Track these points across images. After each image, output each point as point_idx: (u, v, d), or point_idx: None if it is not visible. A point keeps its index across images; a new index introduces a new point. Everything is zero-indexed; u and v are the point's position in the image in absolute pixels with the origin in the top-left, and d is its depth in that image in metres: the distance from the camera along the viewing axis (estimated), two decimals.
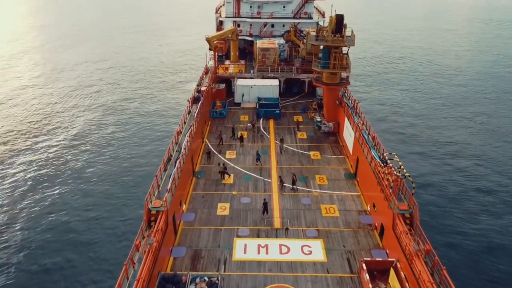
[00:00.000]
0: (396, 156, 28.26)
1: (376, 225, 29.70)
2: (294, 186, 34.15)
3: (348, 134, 40.17)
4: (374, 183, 30.63)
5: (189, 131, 36.87)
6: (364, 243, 28.40)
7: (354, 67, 62.91)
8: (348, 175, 36.98)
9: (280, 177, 35.20)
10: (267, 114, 48.49)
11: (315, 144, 42.89)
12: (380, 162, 30.56)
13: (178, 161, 31.48)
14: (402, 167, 26.81)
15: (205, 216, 31.22)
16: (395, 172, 26.33)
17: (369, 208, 31.83)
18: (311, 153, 40.81)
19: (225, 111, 48.98)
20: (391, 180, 26.57)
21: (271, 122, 47.88)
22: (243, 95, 52.63)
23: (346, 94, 45.57)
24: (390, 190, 26.76)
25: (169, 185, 28.32)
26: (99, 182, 46.26)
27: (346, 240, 28.64)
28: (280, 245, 28.06)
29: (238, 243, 28.25)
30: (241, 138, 42.46)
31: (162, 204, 26.23)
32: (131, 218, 39.24)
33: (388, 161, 28.18)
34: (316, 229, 29.72)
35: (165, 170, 30.98)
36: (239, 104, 52.93)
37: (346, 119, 41.33)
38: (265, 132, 45.34)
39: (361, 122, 37.81)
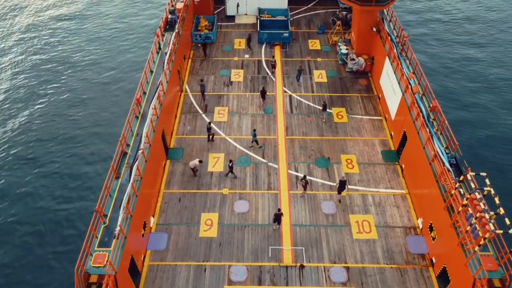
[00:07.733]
0: (488, 182, 16.85)
1: (434, 260, 20.16)
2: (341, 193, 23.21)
3: (390, 85, 27.77)
4: (433, 186, 20.28)
5: (157, 92, 24.61)
6: None
7: None
8: (387, 154, 25.92)
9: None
10: (272, 38, 34.79)
11: (339, 93, 30.58)
12: (448, 168, 19.46)
13: (135, 165, 20.32)
14: (501, 212, 15.78)
15: (183, 239, 21.43)
16: (491, 224, 15.51)
17: (420, 224, 21.87)
18: (334, 111, 28.95)
19: (213, 34, 35.06)
20: (480, 234, 15.98)
21: (277, 50, 34.53)
22: (237, 5, 37.89)
23: (387, 15, 31.43)
24: (473, 241, 16.44)
25: (120, 219, 17.82)
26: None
27: None
28: None
29: None
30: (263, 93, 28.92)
31: (105, 265, 16.31)
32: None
33: (476, 193, 16.91)
34: (345, 266, 20.27)
35: (117, 177, 20.17)
36: (232, 18, 38.51)
37: (387, 59, 28.38)
38: (267, 71, 32.52)
39: (414, 77, 25.23)
